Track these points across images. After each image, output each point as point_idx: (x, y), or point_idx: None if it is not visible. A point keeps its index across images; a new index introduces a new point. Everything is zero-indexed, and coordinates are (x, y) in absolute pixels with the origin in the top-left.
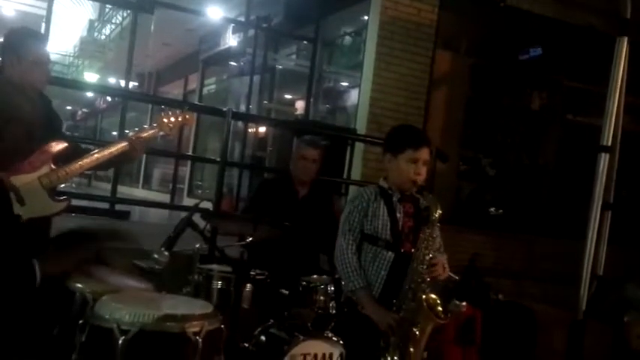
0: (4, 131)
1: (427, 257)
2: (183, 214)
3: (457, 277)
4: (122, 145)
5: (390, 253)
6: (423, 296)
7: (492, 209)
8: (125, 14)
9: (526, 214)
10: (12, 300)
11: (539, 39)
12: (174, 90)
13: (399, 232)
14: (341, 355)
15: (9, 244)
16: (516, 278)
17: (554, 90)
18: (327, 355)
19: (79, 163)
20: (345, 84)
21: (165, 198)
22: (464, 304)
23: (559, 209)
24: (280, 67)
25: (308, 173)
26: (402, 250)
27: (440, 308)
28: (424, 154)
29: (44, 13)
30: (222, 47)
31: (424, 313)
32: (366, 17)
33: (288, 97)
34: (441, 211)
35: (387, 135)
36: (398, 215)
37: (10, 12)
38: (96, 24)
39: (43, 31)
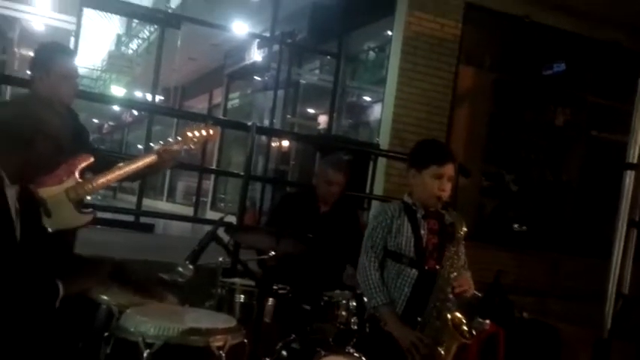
0: (32, 144)
1: (452, 275)
2: (207, 227)
3: (480, 295)
4: (150, 158)
5: (413, 270)
6: (449, 315)
7: (516, 226)
8: (152, 29)
9: (550, 231)
10: (35, 314)
11: (563, 54)
12: (199, 104)
13: (422, 249)
14: None
15: (36, 258)
16: (540, 296)
17: (579, 106)
18: None
19: (107, 177)
20: (368, 99)
21: (188, 211)
22: (487, 321)
23: (583, 226)
24: (304, 81)
25: (331, 195)
26: (426, 268)
27: (465, 327)
28: (449, 169)
29: (73, 27)
30: (247, 62)
31: (449, 333)
32: (389, 32)
33: (311, 111)
34: (466, 229)
35: (411, 150)
36: (422, 232)
37: (40, 27)
38: (123, 39)
39: (72, 45)
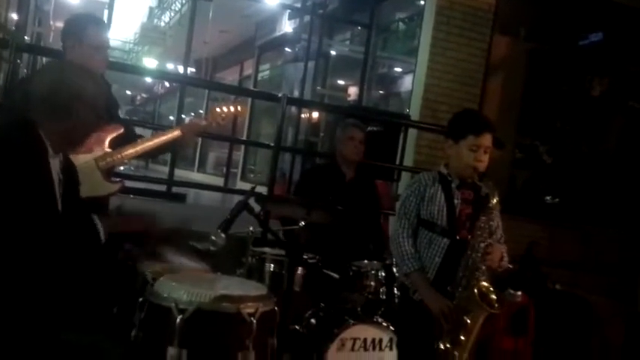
0: (72, 112)
1: (482, 245)
2: (237, 197)
3: (511, 267)
4: (175, 133)
5: (445, 239)
6: (476, 285)
7: (548, 198)
8: (184, 1)
9: (583, 203)
10: (80, 259)
11: (600, 24)
12: (229, 76)
13: (455, 219)
14: (390, 340)
15: (77, 225)
16: (572, 269)
17: (616, 76)
18: (376, 340)
19: (135, 148)
20: (398, 70)
21: (219, 181)
22: (519, 293)
23: (617, 199)
24: (334, 52)
25: (357, 153)
26: (458, 237)
27: (493, 297)
28: (486, 140)
29: (107, 0)
30: (277, 33)
31: (476, 302)
32: (422, 2)
33: (341, 82)
34: (497, 199)
35: (449, 121)
36: (455, 202)
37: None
38: (156, 11)
39: (105, 18)
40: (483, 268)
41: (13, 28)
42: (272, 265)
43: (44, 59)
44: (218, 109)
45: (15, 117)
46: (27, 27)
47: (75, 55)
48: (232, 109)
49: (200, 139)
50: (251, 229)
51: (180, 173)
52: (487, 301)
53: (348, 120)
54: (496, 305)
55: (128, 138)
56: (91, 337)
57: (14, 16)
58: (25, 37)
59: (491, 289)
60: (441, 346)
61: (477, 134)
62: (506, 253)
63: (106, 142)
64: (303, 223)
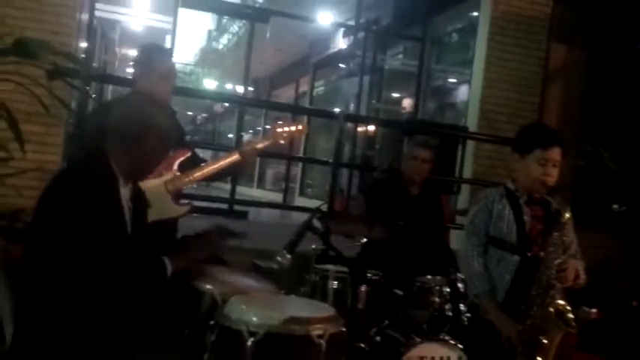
0: (143, 142)
1: (556, 262)
2: (295, 213)
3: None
4: (234, 157)
5: (515, 256)
6: (551, 303)
7: (615, 206)
8: (241, 24)
9: None
10: (147, 295)
11: None
12: (286, 93)
13: (525, 235)
14: (459, 359)
15: (146, 250)
16: None
17: None
18: (444, 359)
19: (202, 171)
20: (453, 81)
21: (277, 197)
22: (594, 310)
23: None
24: (388, 67)
25: (419, 173)
26: (529, 254)
27: (570, 315)
28: (554, 154)
29: (169, 26)
30: (331, 50)
31: (553, 322)
32: (475, 13)
33: (395, 96)
34: (570, 214)
35: (516, 134)
36: (525, 218)
37: (138, 27)
38: (214, 34)
39: (168, 43)
40: (558, 285)
41: (83, 56)
42: (335, 283)
43: (111, 87)
44: (279, 129)
45: (87, 147)
46: (94, 55)
47: (144, 83)
48: (293, 128)
49: (258, 158)
50: (314, 246)
51: (241, 190)
52: (564, 319)
53: (416, 137)
54: (573, 324)
55: (195, 160)
56: (164, 358)
57: (82, 44)
58: (94, 65)
59: (568, 307)
60: None
61: (545, 148)
62: (583, 268)
63: (175, 166)
64: (364, 239)
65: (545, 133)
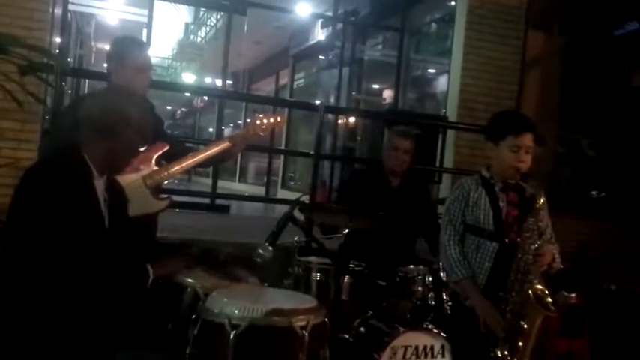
0: (117, 135)
1: (532, 247)
2: (278, 206)
3: (562, 266)
4: (224, 144)
5: (493, 243)
6: (530, 288)
7: (594, 193)
8: (219, 16)
9: (630, 197)
10: (128, 298)
11: (635, 13)
12: (266, 86)
13: (501, 222)
14: (442, 347)
15: (125, 245)
16: (621, 265)
17: None
18: (428, 347)
19: (181, 164)
20: (432, 71)
21: (260, 190)
22: (573, 295)
23: None
24: (367, 58)
25: (400, 164)
26: (507, 240)
27: (549, 299)
28: (526, 140)
29: (145, 19)
30: (311, 42)
31: (531, 306)
32: (452, 3)
33: (375, 87)
34: (544, 199)
35: (488, 122)
36: (501, 205)
37: (114, 21)
38: (192, 27)
39: (144, 37)
40: (535, 270)
41: (57, 51)
42: (318, 274)
43: (87, 81)
44: (258, 121)
45: (60, 142)
46: (69, 50)
47: (119, 77)
48: (272, 120)
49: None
50: (296, 238)
51: (222, 184)
52: (543, 303)
53: (395, 128)
54: (552, 308)
55: (176, 153)
56: (147, 354)
57: (57, 39)
58: (69, 60)
59: (546, 291)
60: (499, 354)
61: (517, 134)
62: (558, 252)
63: (153, 161)
64: (346, 230)
65: (517, 120)
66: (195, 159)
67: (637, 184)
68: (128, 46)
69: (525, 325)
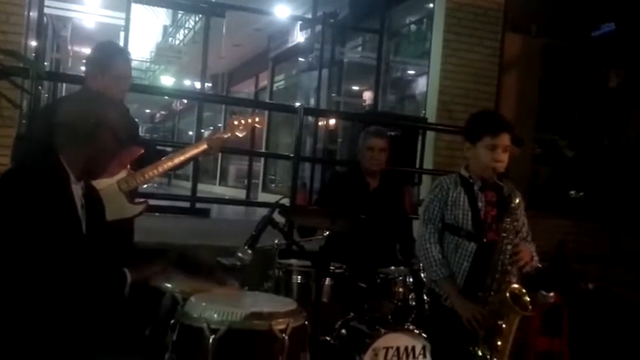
0: (95, 139)
1: (509, 247)
2: (259, 208)
3: (541, 265)
4: (202, 147)
5: (472, 243)
6: (507, 288)
7: (572, 192)
8: (197, 19)
9: (609, 196)
10: (106, 303)
11: (612, 14)
12: (245, 88)
13: (480, 222)
14: (423, 347)
15: (102, 249)
16: (601, 264)
17: (633, 66)
18: (409, 348)
19: (157, 168)
20: (412, 73)
21: (240, 193)
22: (551, 294)
23: None
24: (347, 60)
25: (376, 164)
26: (485, 240)
27: (526, 299)
28: (503, 140)
29: (122, 22)
30: (290, 44)
31: (508, 305)
32: (431, 5)
33: (355, 89)
34: (519, 198)
35: (465, 123)
36: (479, 204)
37: (90, 24)
38: (170, 30)
39: (122, 40)
40: (513, 270)
41: (33, 55)
42: (299, 277)
43: (65, 85)
44: (236, 122)
45: (34, 146)
46: (46, 53)
47: (97, 84)
48: (250, 120)
49: (220, 154)
50: (276, 241)
51: (203, 187)
52: (520, 303)
53: (369, 128)
54: (530, 307)
55: (149, 157)
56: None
57: (32, 43)
58: (45, 64)
59: (524, 290)
60: (479, 353)
61: (494, 134)
62: (535, 251)
63: (127, 165)
64: (326, 233)
65: (493, 120)
66: (171, 162)
67: (615, 183)
68: (114, 55)
69: (504, 325)
